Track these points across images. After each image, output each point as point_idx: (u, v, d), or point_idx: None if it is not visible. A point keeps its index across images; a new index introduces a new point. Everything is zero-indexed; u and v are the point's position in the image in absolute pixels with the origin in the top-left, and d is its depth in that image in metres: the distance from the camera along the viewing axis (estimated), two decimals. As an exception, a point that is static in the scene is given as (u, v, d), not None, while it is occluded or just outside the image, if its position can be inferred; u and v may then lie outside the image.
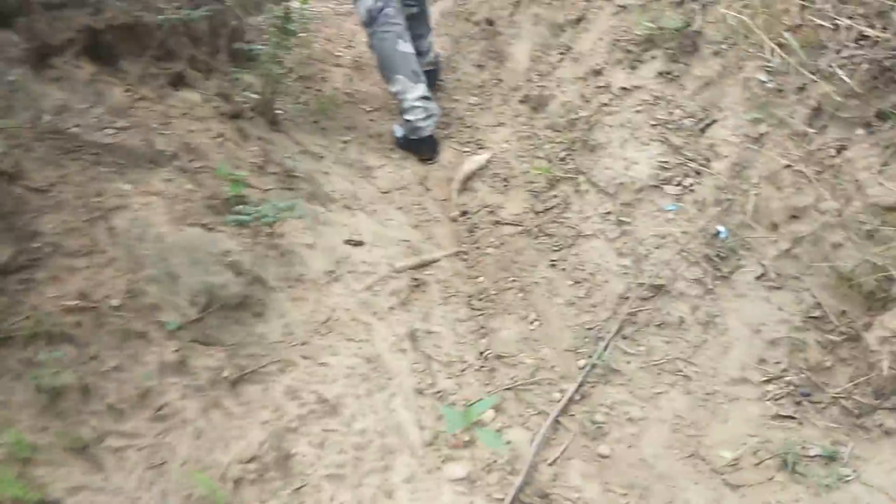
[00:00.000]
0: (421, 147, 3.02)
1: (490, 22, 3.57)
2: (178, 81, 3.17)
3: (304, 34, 4.25)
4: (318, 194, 2.55)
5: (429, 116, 2.93)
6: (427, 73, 3.26)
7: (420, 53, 3.17)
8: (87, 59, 2.41)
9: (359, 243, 2.41)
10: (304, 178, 2.57)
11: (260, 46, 2.85)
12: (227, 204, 2.21)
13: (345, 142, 3.02)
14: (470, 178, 2.83)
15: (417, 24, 3.22)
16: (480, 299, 2.29)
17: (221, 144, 2.57)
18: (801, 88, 1.92)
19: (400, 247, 2.44)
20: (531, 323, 2.13)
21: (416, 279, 2.31)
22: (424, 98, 2.92)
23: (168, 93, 2.69)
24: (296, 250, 2.24)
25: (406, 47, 2.96)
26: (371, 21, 2.94)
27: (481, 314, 2.23)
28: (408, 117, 2.93)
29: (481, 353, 2.08)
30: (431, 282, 2.34)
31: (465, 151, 3.02)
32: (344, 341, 2.02)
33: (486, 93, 3.30)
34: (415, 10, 3.24)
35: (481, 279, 2.38)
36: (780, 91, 1.98)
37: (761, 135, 1.98)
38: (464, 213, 2.68)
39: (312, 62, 3.87)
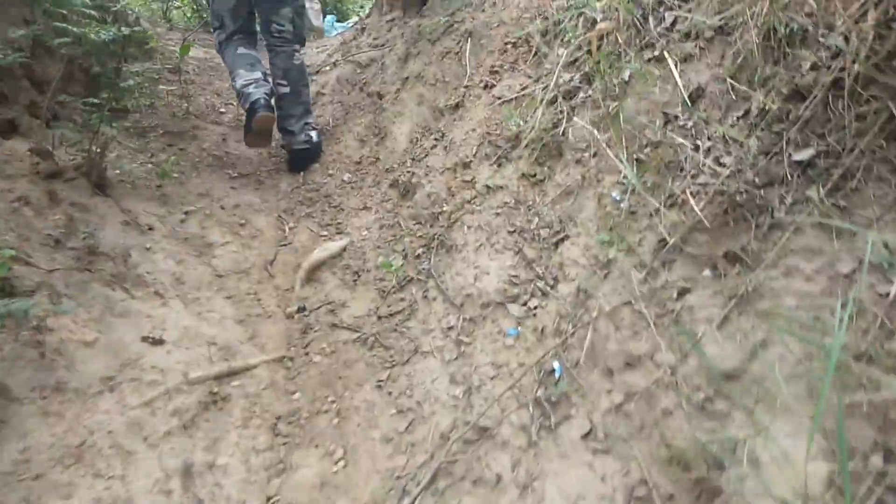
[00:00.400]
0: (256, 121, 3.01)
1: (380, 96, 3.34)
2: (10, 129, 2.79)
3: (191, 85, 3.93)
4: (123, 276, 2.17)
5: (259, 87, 3.04)
6: (299, 151, 3.14)
7: (290, 133, 3.13)
8: None
9: (158, 341, 2.03)
10: (109, 256, 2.19)
11: (94, 100, 2.51)
12: (-13, 288, 1.82)
13: (187, 212, 2.67)
14: (319, 267, 2.50)
15: (288, 104, 3.14)
16: (289, 423, 1.93)
17: (17, 211, 2.18)
18: (653, 214, 1.69)
19: (209, 348, 2.07)
20: (336, 462, 1.76)
21: (214, 393, 1.94)
22: (257, 81, 3.06)
23: (-8, 143, 2.31)
24: (66, 350, 1.85)
25: (246, 51, 3.13)
26: (222, 51, 3.20)
27: (285, 443, 1.86)
28: (241, 93, 3.06)
29: (269, 499, 1.70)
30: (236, 396, 1.97)
31: (322, 235, 2.70)
32: (90, 477, 1.61)
33: (362, 171, 3.03)
34: (286, 90, 3.13)
35: (297, 396, 2.02)
36: (633, 213, 1.75)
37: (609, 260, 1.73)
38: (301, 310, 2.33)
39: (189, 117, 3.54)
